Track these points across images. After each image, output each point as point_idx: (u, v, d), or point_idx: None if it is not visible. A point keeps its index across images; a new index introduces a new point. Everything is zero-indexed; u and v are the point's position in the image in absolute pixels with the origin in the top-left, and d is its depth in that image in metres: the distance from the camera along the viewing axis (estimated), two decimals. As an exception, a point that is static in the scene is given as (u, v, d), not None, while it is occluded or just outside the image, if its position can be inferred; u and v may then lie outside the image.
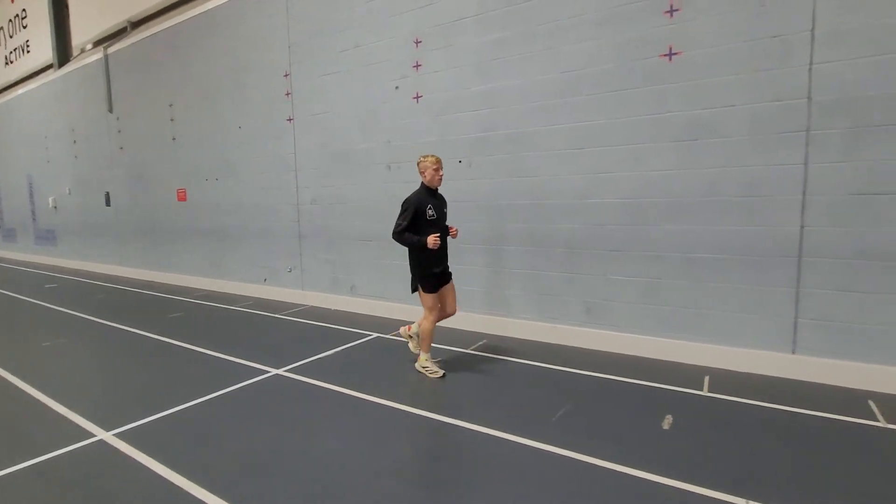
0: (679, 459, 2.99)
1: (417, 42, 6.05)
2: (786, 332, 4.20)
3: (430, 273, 4.38)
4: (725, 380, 4.21)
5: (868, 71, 3.74)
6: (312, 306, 7.51)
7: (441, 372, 4.48)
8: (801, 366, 4.14)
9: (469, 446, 3.24)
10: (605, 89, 4.83)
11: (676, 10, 4.41)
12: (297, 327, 6.41)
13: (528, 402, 3.87)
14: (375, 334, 5.89)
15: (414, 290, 4.52)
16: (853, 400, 3.75)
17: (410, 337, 4.78)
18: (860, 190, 3.84)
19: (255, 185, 8.21)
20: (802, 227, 4.06)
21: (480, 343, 5.42)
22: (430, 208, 4.31)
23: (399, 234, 4.26)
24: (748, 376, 4.26)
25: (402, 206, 4.33)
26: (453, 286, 4.61)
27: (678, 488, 2.69)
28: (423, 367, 4.56)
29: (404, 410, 3.78)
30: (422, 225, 4.27)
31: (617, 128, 4.81)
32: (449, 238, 4.58)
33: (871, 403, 3.67)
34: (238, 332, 6.26)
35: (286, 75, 7.48)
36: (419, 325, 4.59)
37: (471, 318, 5.89)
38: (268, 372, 4.70)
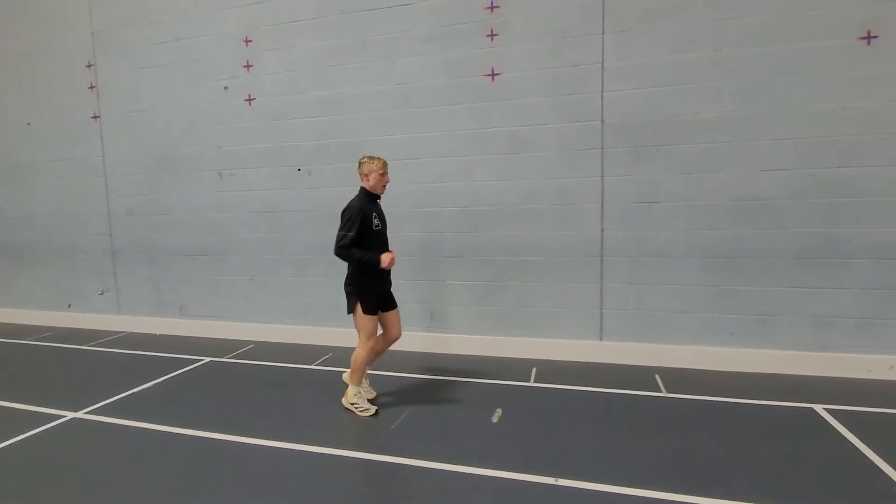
0: (504, 449, 3.22)
1: (247, 41, 5.69)
2: (594, 322, 4.83)
3: (373, 292, 3.79)
4: (549, 369, 4.68)
5: (641, 101, 4.51)
6: (131, 332, 6.53)
7: (373, 409, 3.84)
8: (608, 350, 4.80)
9: (304, 468, 3.09)
10: (438, 103, 5.07)
11: (496, 34, 4.83)
12: (109, 359, 5.51)
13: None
14: (208, 358, 5.34)
15: (350, 310, 3.84)
16: (645, 375, 4.45)
17: (357, 394, 3.98)
18: (641, 199, 4.60)
19: (52, 192, 6.90)
20: (602, 230, 4.72)
21: (326, 357, 5.25)
22: (374, 217, 3.80)
23: (345, 249, 3.63)
24: (567, 364, 4.80)
25: (345, 214, 3.71)
26: (397, 305, 4.04)
27: (501, 478, 2.89)
28: (352, 405, 3.87)
29: (231, 441, 3.47)
30: (366, 236, 3.72)
31: (449, 140, 5.08)
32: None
33: (657, 377, 4.40)
34: (28, 372, 5.17)
35: (89, 66, 6.45)
36: (353, 355, 3.86)
37: (314, 331, 5.68)
38: (61, 417, 3.94)
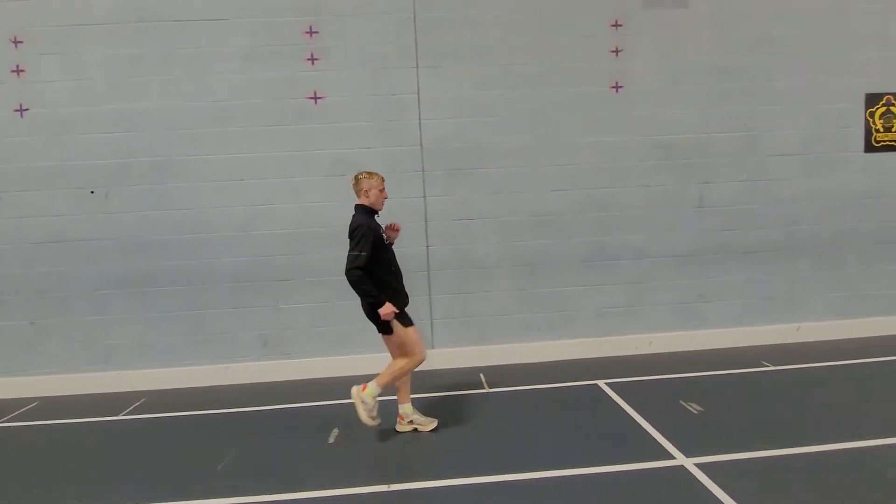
0: (340, 467, 3.27)
1: (17, 42, 4.81)
2: (425, 333, 5.16)
3: (400, 307, 3.67)
4: (386, 383, 4.86)
5: (454, 129, 5.05)
6: None
7: (380, 420, 3.61)
8: (439, 357, 5.14)
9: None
10: (258, 124, 4.94)
11: (317, 58, 4.93)
12: None
13: (189, 459, 3.51)
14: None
15: (385, 331, 3.65)
16: (471, 375, 4.89)
17: (411, 422, 3.77)
18: (458, 217, 5.12)
19: None
20: (428, 246, 5.11)
21: (138, 404, 4.61)
22: (383, 232, 3.67)
23: (359, 271, 3.39)
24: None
25: (356, 233, 3.49)
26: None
27: (337, 495, 2.92)
28: (363, 402, 3.53)
29: None
30: (377, 252, 3.52)
31: (273, 161, 4.97)
32: None
33: (482, 375, 4.89)
34: None
35: None
36: (396, 360, 3.69)
37: (120, 376, 4.96)
38: None
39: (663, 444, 3.30)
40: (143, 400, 4.70)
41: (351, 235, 3.57)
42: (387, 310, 3.48)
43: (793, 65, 5.28)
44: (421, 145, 5.03)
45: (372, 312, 3.59)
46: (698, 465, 3.01)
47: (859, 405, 3.85)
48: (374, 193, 3.68)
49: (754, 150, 5.30)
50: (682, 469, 3.00)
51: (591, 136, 5.16)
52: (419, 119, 5.00)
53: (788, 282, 5.46)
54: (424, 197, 5.06)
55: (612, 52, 5.11)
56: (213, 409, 4.38)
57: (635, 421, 3.69)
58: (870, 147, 5.42)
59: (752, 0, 5.19)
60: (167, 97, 4.90)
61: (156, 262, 4.95)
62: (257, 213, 4.99)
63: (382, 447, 3.52)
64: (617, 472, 3.02)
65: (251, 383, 4.99)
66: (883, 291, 5.53)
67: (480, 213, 5.13)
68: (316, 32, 4.91)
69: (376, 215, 3.73)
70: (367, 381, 3.58)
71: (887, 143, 5.41)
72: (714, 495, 2.69)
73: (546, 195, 5.17)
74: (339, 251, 4.93)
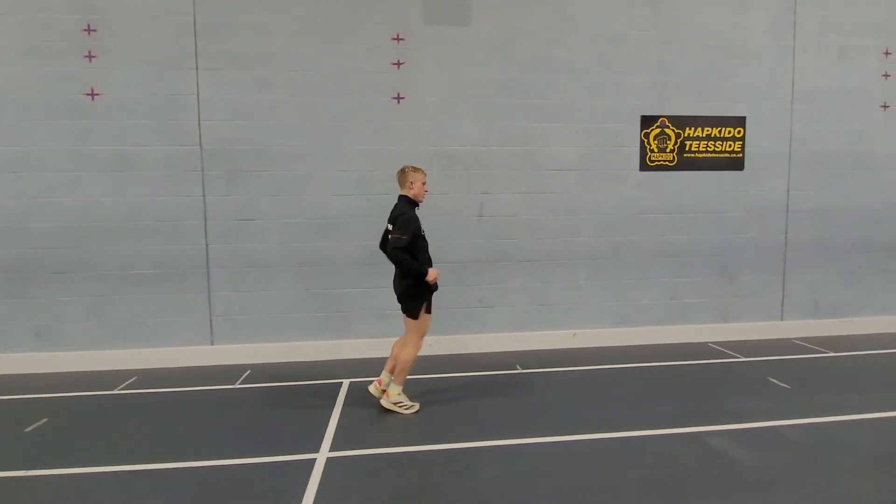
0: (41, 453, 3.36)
1: None
2: (205, 329, 5.30)
3: (430, 292, 3.99)
4: (153, 376, 4.94)
5: (235, 131, 5.17)
6: None
7: (417, 405, 4.03)
8: (218, 353, 5.29)
9: None
10: (34, 117, 4.97)
11: (95, 56, 5.00)
12: None
13: None
14: None
15: (414, 315, 3.96)
16: (237, 372, 5.01)
17: (384, 391, 4.10)
18: (239, 217, 5.25)
19: None
20: (207, 245, 5.23)
21: None
22: (421, 224, 3.95)
23: (401, 252, 3.77)
24: (175, 370, 5.13)
25: (400, 218, 3.84)
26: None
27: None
28: (396, 404, 3.98)
29: None
30: (416, 241, 3.86)
31: (50, 155, 5.02)
32: None
33: (248, 372, 5.02)
34: None
35: None
36: (402, 355, 3.99)
37: None
38: None
39: (321, 441, 3.48)
40: None
41: (394, 221, 3.91)
42: (433, 274, 3.88)
43: (571, 85, 5.58)
44: (201, 146, 5.14)
45: (407, 291, 3.93)
46: (331, 460, 3.22)
47: (552, 407, 4.11)
48: (417, 186, 4.02)
49: (533, 164, 5.58)
50: (307, 463, 3.18)
51: (373, 144, 5.36)
52: (199, 120, 5.12)
53: (566, 290, 5.76)
54: (204, 197, 5.18)
55: (394, 64, 5.32)
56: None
57: (329, 416, 3.90)
58: (645, 166, 5.76)
59: (532, 21, 5.47)
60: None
61: None
62: (34, 205, 5.03)
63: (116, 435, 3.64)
64: (240, 464, 3.20)
65: (22, 374, 5.00)
66: (656, 301, 5.88)
67: (262, 214, 5.28)
68: (94, 31, 4.97)
69: (417, 207, 4.07)
70: (382, 381, 4.11)
71: (661, 163, 5.76)
72: (306, 490, 2.88)
73: (327, 199, 5.34)
74: (119, 246, 5.10)
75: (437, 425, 3.77)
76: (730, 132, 5.81)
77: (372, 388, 4.14)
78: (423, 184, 4.06)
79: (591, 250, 5.74)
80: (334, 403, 4.18)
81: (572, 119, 5.60)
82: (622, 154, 5.72)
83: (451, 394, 4.46)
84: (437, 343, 5.55)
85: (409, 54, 5.32)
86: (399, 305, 4.05)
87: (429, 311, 4.04)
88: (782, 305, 6.10)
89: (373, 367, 5.13)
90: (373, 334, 5.47)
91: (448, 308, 5.58)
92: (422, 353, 5.51)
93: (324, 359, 5.37)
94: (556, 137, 5.60)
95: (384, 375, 4.15)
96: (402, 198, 4.06)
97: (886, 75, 6.03)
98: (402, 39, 5.30)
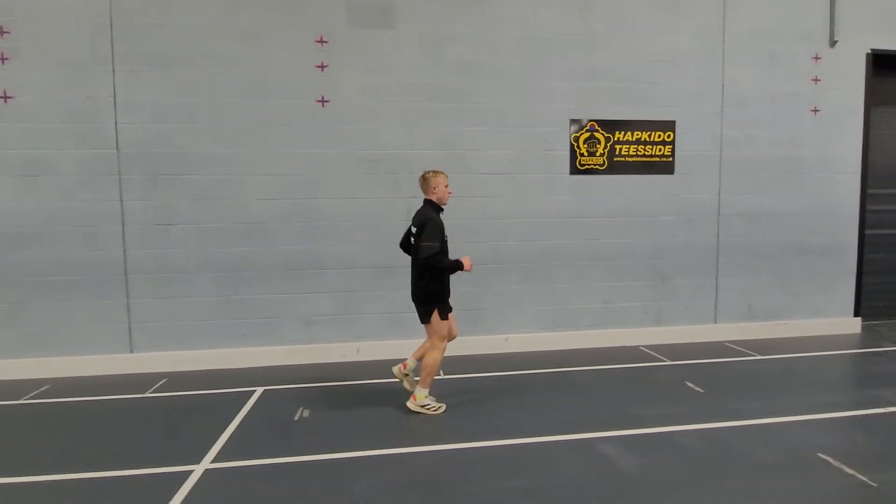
0: None
1: None
2: (123, 336, 5.18)
3: (447, 298, 4.10)
4: (66, 385, 4.82)
5: (154, 135, 5.09)
6: None
7: (443, 406, 4.11)
8: (139, 361, 5.17)
9: None
10: (-60, 120, 4.87)
11: (7, 58, 4.87)
12: None
13: None
14: None
15: (426, 319, 4.06)
16: (149, 380, 4.89)
17: (406, 374, 4.27)
18: (159, 222, 5.16)
19: None
20: (125, 251, 5.12)
21: None
22: (444, 225, 4.04)
23: (437, 257, 3.85)
24: (91, 378, 5.00)
25: (426, 225, 3.90)
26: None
27: None
28: (423, 406, 4.05)
29: None
30: (442, 245, 3.97)
31: (-40, 159, 4.91)
32: None
33: (165, 380, 4.92)
34: None
35: None
36: (425, 358, 4.06)
37: None
38: None
39: (207, 452, 3.39)
40: None
41: (420, 226, 3.96)
42: (468, 262, 3.99)
43: (500, 89, 5.55)
44: (118, 149, 5.04)
45: (424, 296, 4.02)
46: (209, 471, 3.14)
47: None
48: (440, 190, 4.06)
49: (462, 168, 5.52)
50: (181, 476, 3.09)
51: (297, 148, 5.29)
52: (115, 123, 5.02)
53: (497, 294, 5.72)
54: (121, 201, 5.07)
55: (318, 67, 5.27)
56: None
57: (227, 426, 3.81)
58: (575, 170, 5.75)
59: (458, 25, 5.45)
60: None
61: None
62: (-57, 210, 4.92)
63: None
64: (113, 477, 3.10)
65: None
66: (589, 305, 5.86)
67: (182, 219, 5.18)
68: (7, 32, 4.86)
69: (441, 211, 4.11)
70: (407, 364, 4.26)
71: (591, 166, 5.75)
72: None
73: (251, 203, 5.26)
74: (33, 252, 4.97)
75: (322, 434, 3.69)
76: (660, 136, 5.83)
77: (395, 370, 4.29)
78: (446, 186, 4.11)
79: (521, 254, 5.71)
80: (238, 412, 4.09)
81: (501, 123, 5.58)
82: (552, 158, 5.71)
83: (353, 400, 4.40)
84: (365, 349, 5.51)
85: (333, 57, 5.27)
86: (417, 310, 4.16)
87: (447, 313, 4.10)
88: (716, 309, 6.12)
89: (298, 373, 5.10)
90: (299, 340, 5.39)
91: (377, 313, 5.55)
92: (346, 359, 5.55)
93: (247, 366, 5.27)
94: (485, 141, 5.57)
95: (410, 360, 4.29)
96: (426, 202, 4.13)
97: (817, 80, 6.11)
98: (325, 42, 5.24)
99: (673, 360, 5.31)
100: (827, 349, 5.66)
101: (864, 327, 6.46)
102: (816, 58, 6.09)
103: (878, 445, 3.40)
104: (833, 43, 6.09)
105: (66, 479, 3.10)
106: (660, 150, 5.85)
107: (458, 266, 3.96)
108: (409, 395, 4.13)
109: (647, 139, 5.81)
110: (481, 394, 4.49)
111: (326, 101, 5.30)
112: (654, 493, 2.86)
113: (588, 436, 3.52)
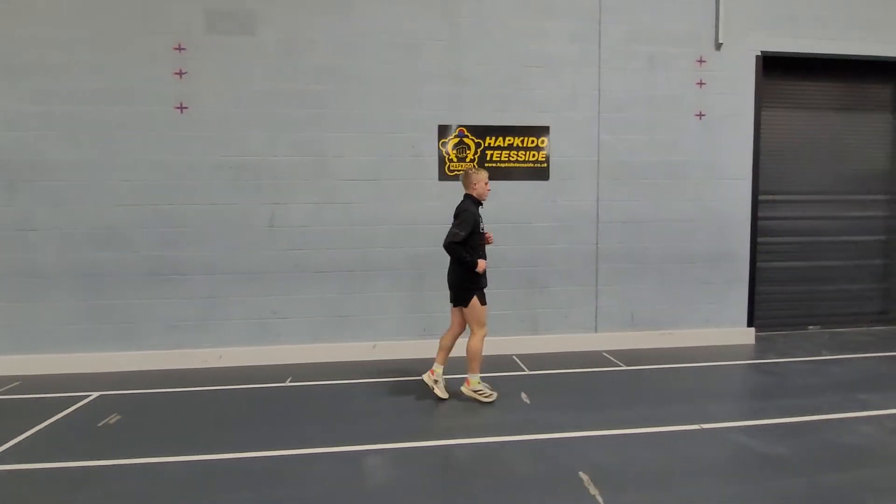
0: None
1: None
2: (-17, 340, 5.26)
3: (481, 286, 4.35)
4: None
5: (13, 142, 5.14)
6: None
7: (496, 393, 4.41)
8: (-1, 365, 5.27)
9: None
10: None
11: None
12: None
13: None
14: None
15: (459, 303, 4.36)
16: (1, 382, 4.95)
17: (436, 381, 4.46)
18: (20, 226, 5.22)
19: None
20: (-16, 255, 5.22)
21: None
22: (481, 220, 4.34)
23: (456, 245, 4.17)
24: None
25: (461, 215, 4.26)
26: None
27: None
28: (476, 392, 4.37)
29: None
30: (473, 235, 4.24)
31: None
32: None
33: (16, 383, 4.98)
34: None
35: None
36: (468, 346, 4.35)
37: None
38: None
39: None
40: None
41: (456, 216, 4.32)
42: (482, 265, 4.26)
43: (364, 94, 5.52)
44: (-27, 156, 5.15)
45: (459, 282, 4.31)
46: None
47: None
48: (480, 186, 4.41)
49: (326, 174, 5.51)
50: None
51: (156, 154, 5.31)
52: (-28, 129, 5.13)
53: (365, 301, 5.67)
54: (-22, 206, 5.18)
55: (176, 73, 5.29)
56: None
57: (20, 431, 3.81)
58: (444, 176, 5.68)
59: (319, 31, 5.43)
60: None
61: None
62: None
63: None
64: None
65: None
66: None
67: (42, 224, 5.24)
68: None
69: (480, 206, 4.43)
70: (434, 371, 4.46)
71: (461, 172, 5.67)
72: None
73: (110, 209, 5.29)
74: None
75: (105, 441, 3.67)
76: (533, 141, 5.73)
77: (425, 377, 4.49)
78: (486, 184, 4.46)
79: (389, 261, 5.66)
80: (49, 418, 4.10)
81: (366, 128, 5.54)
82: (420, 164, 5.65)
83: (179, 406, 4.35)
84: (227, 355, 5.50)
85: (191, 64, 5.30)
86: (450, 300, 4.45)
87: (483, 303, 4.36)
88: (595, 317, 5.98)
89: (149, 378, 5.10)
90: (161, 346, 5.41)
91: (239, 319, 5.54)
92: (207, 365, 5.53)
93: (104, 370, 5.29)
94: (350, 147, 5.54)
95: (436, 367, 4.49)
96: (467, 196, 4.45)
97: (701, 83, 5.96)
98: (183, 49, 5.27)
99: (531, 370, 5.20)
100: (700, 360, 5.47)
101: (758, 338, 6.27)
102: (701, 60, 5.94)
103: (650, 464, 3.25)
104: (718, 45, 5.94)
105: None
106: (533, 155, 5.75)
107: (472, 263, 4.24)
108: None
109: (521, 144, 5.72)
110: (310, 401, 4.41)
111: (185, 108, 5.32)
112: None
113: (360, 448, 3.45)
